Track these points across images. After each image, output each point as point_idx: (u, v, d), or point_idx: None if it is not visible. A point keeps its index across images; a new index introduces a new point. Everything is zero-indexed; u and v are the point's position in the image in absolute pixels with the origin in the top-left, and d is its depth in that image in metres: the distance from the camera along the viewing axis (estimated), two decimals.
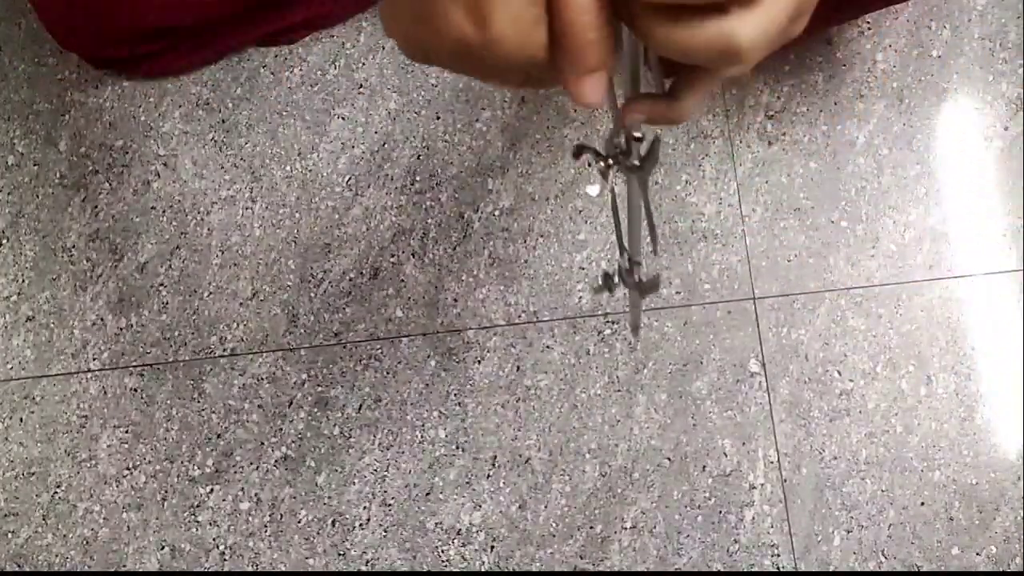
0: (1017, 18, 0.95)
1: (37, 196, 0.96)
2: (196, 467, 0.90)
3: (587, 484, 0.88)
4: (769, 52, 0.30)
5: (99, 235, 0.95)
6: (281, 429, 0.90)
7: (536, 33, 0.28)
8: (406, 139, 0.95)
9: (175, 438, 0.91)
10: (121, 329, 0.93)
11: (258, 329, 0.92)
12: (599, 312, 0.91)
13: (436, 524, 0.89)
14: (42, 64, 0.99)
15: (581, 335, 0.91)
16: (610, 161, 0.40)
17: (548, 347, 0.91)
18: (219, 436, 0.91)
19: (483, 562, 0.88)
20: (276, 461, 0.90)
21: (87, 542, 0.90)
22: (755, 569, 0.87)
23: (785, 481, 0.87)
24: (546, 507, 0.88)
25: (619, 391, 0.89)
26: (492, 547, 0.88)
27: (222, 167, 0.96)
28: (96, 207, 0.96)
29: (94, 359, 0.93)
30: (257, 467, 0.90)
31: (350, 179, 0.95)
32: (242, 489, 0.90)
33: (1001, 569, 0.86)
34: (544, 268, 0.92)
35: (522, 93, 0.96)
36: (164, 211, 0.95)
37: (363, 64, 0.97)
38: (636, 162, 0.40)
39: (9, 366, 0.94)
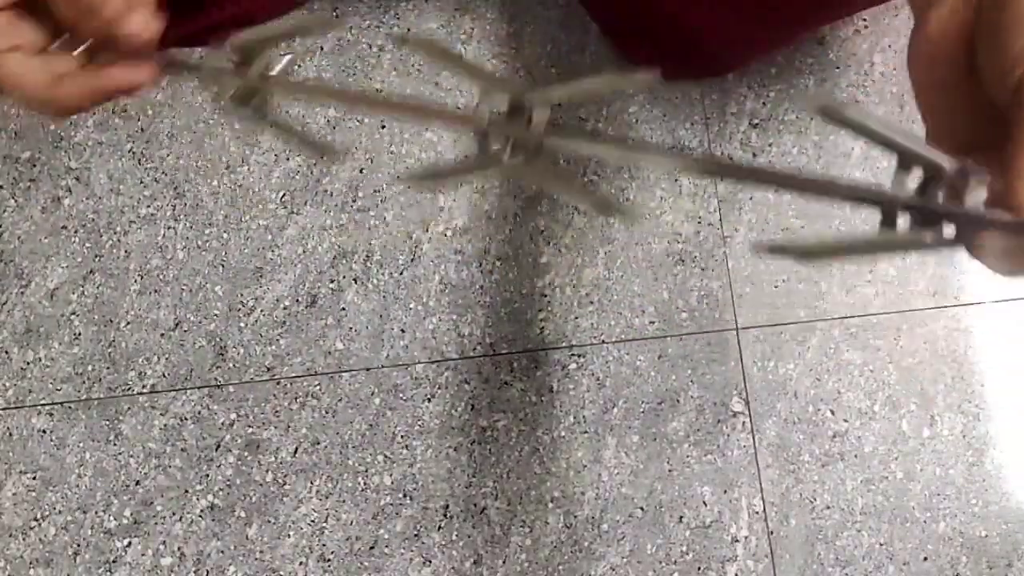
0: None
1: None
2: (112, 518, 0.85)
3: (550, 537, 0.84)
4: None
5: (3, 258, 0.89)
6: (207, 475, 0.85)
7: None
8: (347, 150, 0.90)
9: (89, 485, 0.85)
10: (28, 363, 0.87)
11: (181, 363, 0.87)
12: (563, 344, 0.86)
13: None
14: None
15: (543, 370, 0.86)
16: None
17: (506, 383, 0.86)
18: (138, 483, 0.85)
19: None
20: (202, 511, 0.85)
21: None
22: None
23: (772, 533, 0.84)
24: (504, 562, 0.83)
25: (586, 432, 0.85)
26: None
27: (141, 182, 0.90)
28: (0, 226, 0.90)
29: None
30: (180, 518, 0.84)
31: (284, 195, 0.89)
32: (164, 542, 0.84)
33: None
34: (501, 295, 0.87)
35: None
36: (76, 231, 0.89)
37: (299, 66, 0.92)
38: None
39: None
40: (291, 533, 0.84)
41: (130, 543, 0.84)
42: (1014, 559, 0.83)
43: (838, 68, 0.91)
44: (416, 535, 0.83)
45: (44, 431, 0.86)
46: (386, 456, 0.85)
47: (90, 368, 0.86)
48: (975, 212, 0.28)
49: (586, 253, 0.87)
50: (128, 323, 0.87)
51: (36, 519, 0.85)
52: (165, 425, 0.85)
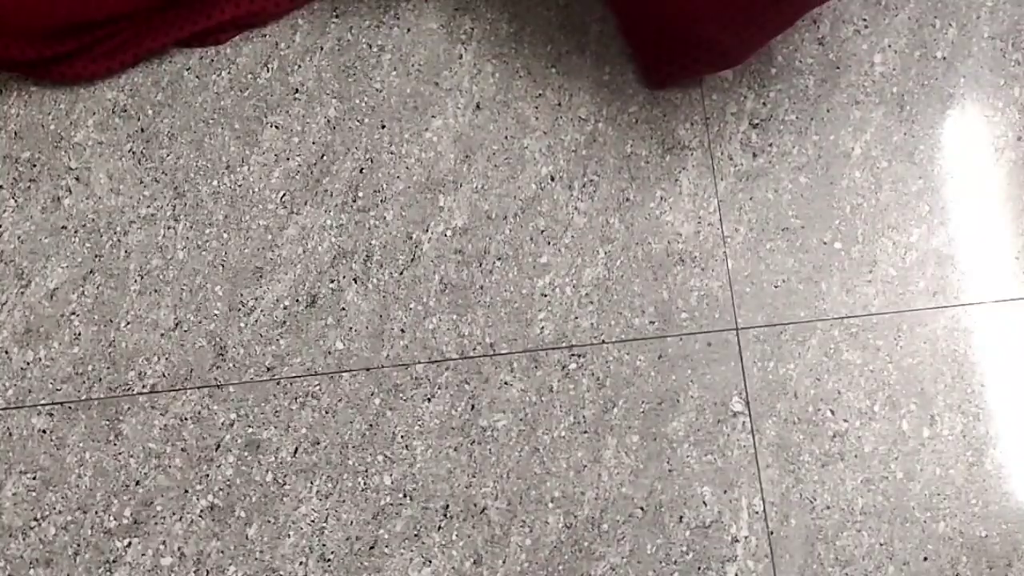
0: None
1: None
2: (112, 518, 0.84)
3: (550, 537, 0.83)
4: None
5: (3, 258, 0.89)
6: (207, 475, 0.85)
7: None
8: (347, 150, 0.90)
9: (89, 485, 0.85)
10: (28, 363, 0.87)
11: (181, 363, 0.86)
12: (563, 344, 0.86)
13: None
14: None
15: (543, 370, 0.86)
16: None
17: (506, 383, 0.86)
18: (138, 483, 0.85)
19: None
20: (202, 511, 0.84)
21: None
22: None
23: (772, 533, 0.83)
24: (504, 563, 0.83)
25: (586, 433, 0.85)
26: None
27: (141, 181, 0.89)
28: (0, 226, 0.89)
29: None
30: (180, 518, 0.84)
31: (284, 195, 0.89)
32: (164, 542, 0.84)
33: None
34: (501, 295, 0.87)
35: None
36: (76, 231, 0.89)
37: (299, 67, 0.91)
38: None
39: None
40: (291, 533, 0.83)
41: (130, 543, 0.84)
42: (1014, 559, 0.83)
43: (838, 68, 0.91)
44: (416, 535, 0.83)
45: (44, 431, 0.86)
46: (386, 456, 0.85)
47: (90, 368, 0.86)
48: None
49: (586, 253, 0.87)
50: (128, 323, 0.87)
51: (36, 519, 0.84)
52: (165, 425, 0.85)
